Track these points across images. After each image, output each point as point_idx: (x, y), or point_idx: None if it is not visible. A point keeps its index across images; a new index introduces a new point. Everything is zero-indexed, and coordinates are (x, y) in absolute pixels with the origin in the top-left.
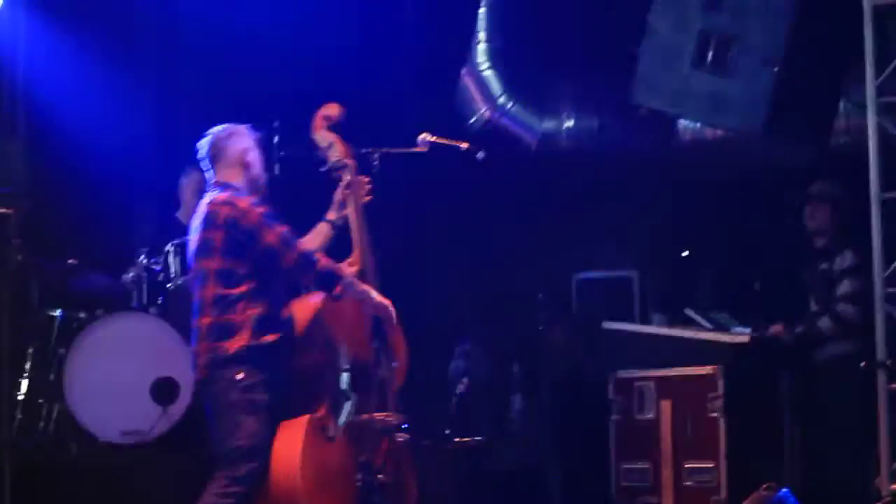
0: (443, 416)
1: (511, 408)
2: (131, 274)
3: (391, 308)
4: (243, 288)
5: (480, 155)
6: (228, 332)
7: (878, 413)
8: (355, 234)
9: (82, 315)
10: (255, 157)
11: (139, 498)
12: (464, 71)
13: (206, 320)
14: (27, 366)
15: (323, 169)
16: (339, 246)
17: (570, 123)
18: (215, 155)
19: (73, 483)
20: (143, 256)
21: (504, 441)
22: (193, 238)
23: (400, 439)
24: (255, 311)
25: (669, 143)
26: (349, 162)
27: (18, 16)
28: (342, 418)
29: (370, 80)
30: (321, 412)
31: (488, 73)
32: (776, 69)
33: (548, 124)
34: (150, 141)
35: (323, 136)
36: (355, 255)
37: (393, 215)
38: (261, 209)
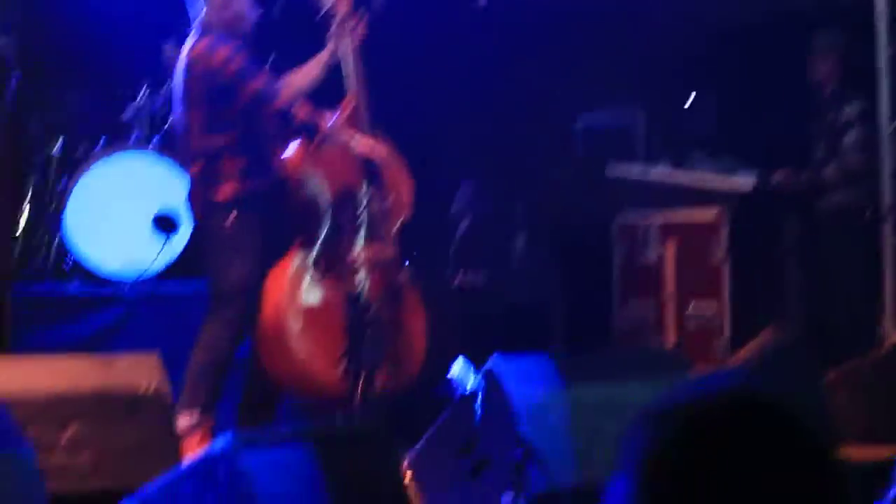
0: (447, 255)
1: (514, 246)
2: (133, 109)
3: (379, 148)
4: (226, 138)
5: (482, 1)
6: (217, 179)
7: (881, 262)
8: (348, 74)
9: (83, 147)
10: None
11: (140, 331)
12: None
13: (195, 168)
14: (27, 197)
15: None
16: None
17: None
18: None
19: (75, 314)
20: (145, 89)
21: (507, 279)
22: (176, 85)
23: (399, 275)
24: (241, 160)
25: None
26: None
27: None
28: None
29: None
30: (307, 251)
31: None
32: None
33: None
34: None
35: None
36: (349, 97)
37: (393, 55)
38: (237, 62)
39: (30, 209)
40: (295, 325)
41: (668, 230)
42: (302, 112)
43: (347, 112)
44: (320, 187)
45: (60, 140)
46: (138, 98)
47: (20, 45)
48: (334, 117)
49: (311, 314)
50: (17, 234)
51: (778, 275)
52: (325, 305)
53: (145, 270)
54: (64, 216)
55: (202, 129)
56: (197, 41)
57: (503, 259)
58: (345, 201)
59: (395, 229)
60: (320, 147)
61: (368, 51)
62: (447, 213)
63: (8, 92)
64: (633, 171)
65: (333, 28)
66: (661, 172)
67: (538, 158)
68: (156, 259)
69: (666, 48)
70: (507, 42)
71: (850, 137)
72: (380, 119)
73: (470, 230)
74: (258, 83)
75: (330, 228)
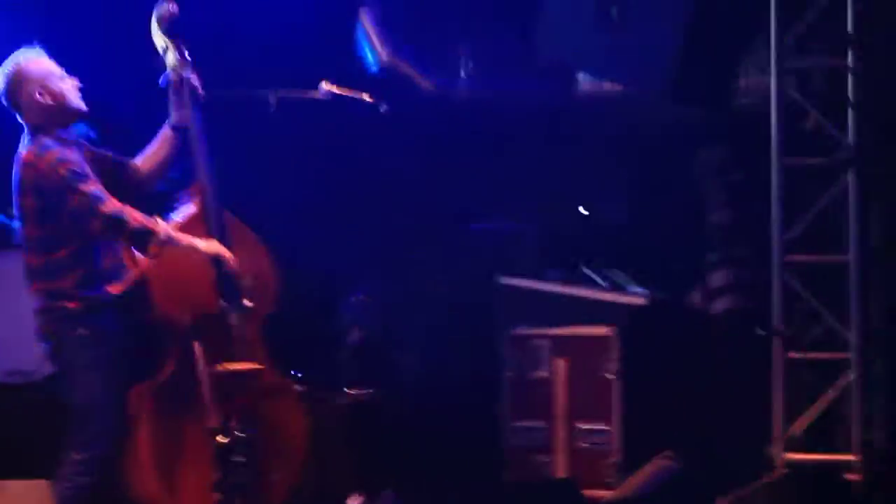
0: (331, 368)
1: (403, 361)
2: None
3: (224, 252)
4: (63, 253)
5: (384, 108)
6: (60, 296)
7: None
8: (194, 150)
9: None
10: (56, 86)
11: (24, 439)
12: (362, 11)
13: (38, 286)
14: None
15: (160, 80)
16: None
17: (468, 70)
18: (11, 95)
19: None
20: None
21: (395, 395)
22: (15, 200)
23: (266, 388)
24: (81, 272)
25: (569, 95)
26: (182, 73)
27: None
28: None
29: (267, 19)
30: (164, 374)
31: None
32: (679, 30)
33: (444, 71)
34: None
35: (159, 40)
36: (196, 185)
37: (285, 161)
38: (66, 166)
39: None
40: (158, 459)
41: (559, 344)
42: (133, 216)
43: (192, 210)
44: (167, 304)
45: None
46: None
47: None
48: (170, 220)
49: (172, 447)
50: None
51: (672, 393)
52: (186, 437)
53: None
54: None
55: (38, 245)
56: (25, 151)
57: (392, 374)
58: (198, 319)
59: (258, 332)
60: (157, 252)
61: (266, 144)
62: (333, 324)
63: None
64: (524, 281)
65: (171, 96)
66: (552, 285)
67: (427, 268)
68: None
69: (557, 160)
70: (402, 149)
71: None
72: (260, 215)
73: (358, 344)
74: (87, 189)
75: (182, 352)
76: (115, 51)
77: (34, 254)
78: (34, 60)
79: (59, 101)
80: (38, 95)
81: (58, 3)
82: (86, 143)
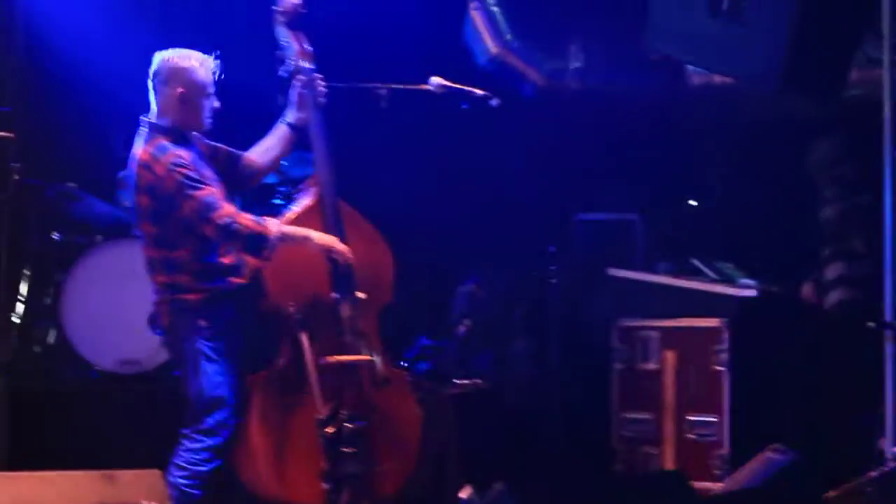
0: (443, 358)
1: (512, 351)
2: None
3: (337, 244)
4: (181, 250)
5: (495, 102)
6: (180, 289)
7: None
8: (313, 146)
9: (81, 240)
10: (200, 100)
11: (135, 428)
12: (472, 5)
13: (160, 278)
14: (24, 290)
15: (281, 72)
16: None
17: (577, 63)
18: (160, 80)
19: (69, 411)
20: None
21: (505, 385)
22: (131, 196)
23: (377, 379)
24: (200, 267)
25: (678, 88)
26: (303, 64)
27: None
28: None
29: (376, 14)
30: (277, 364)
31: (496, 9)
32: (792, 21)
33: (554, 63)
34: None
35: (281, 34)
36: (313, 178)
37: (396, 152)
38: (181, 171)
39: (26, 302)
40: (268, 448)
41: (668, 336)
42: (245, 222)
43: (308, 202)
44: (279, 296)
45: (57, 233)
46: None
47: (21, 137)
48: (287, 211)
49: (282, 436)
50: (14, 324)
51: (779, 386)
52: (297, 426)
53: (141, 368)
54: (60, 309)
55: (156, 241)
56: (142, 149)
57: (502, 365)
58: (308, 310)
59: (371, 323)
60: (270, 254)
61: (378, 136)
62: (444, 314)
63: (10, 183)
64: (634, 273)
65: (297, 91)
66: (662, 277)
67: (538, 258)
68: (151, 358)
69: (667, 151)
70: (512, 141)
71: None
72: (373, 207)
73: (468, 335)
74: (200, 196)
75: (293, 342)
76: (235, 42)
77: (153, 248)
78: (199, 68)
79: (194, 114)
80: (180, 98)
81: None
82: (200, 137)
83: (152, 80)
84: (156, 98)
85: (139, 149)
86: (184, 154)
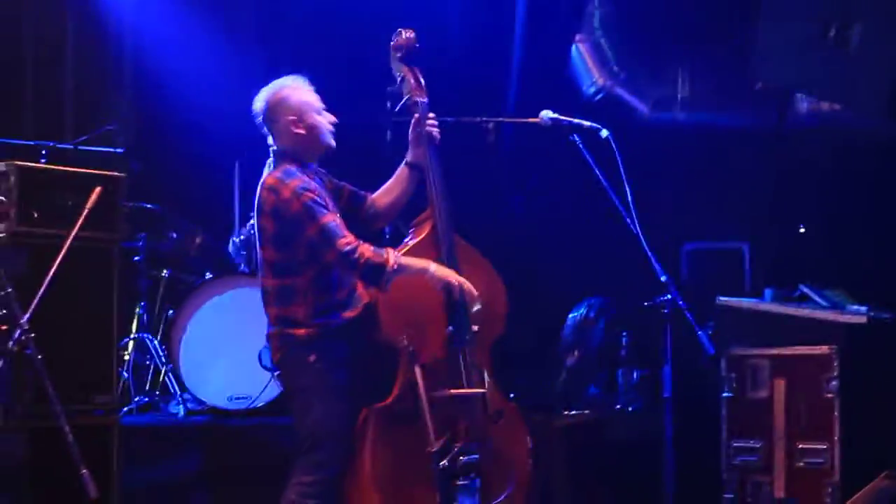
0: (552, 390)
1: (620, 381)
2: (241, 237)
3: (453, 276)
4: (302, 278)
5: (605, 133)
6: (295, 321)
7: None
8: (427, 179)
9: (190, 277)
10: (312, 119)
11: (245, 466)
12: (578, 38)
13: (273, 310)
14: (134, 327)
15: (396, 108)
16: None
17: (684, 93)
18: (268, 119)
19: (180, 447)
20: (249, 223)
21: (614, 416)
22: (254, 221)
23: (490, 412)
24: (318, 299)
25: (785, 116)
26: (418, 99)
27: None
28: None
29: (479, 50)
30: (391, 397)
31: (602, 41)
32: None
33: (661, 93)
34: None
35: (396, 68)
36: (427, 212)
37: (508, 185)
38: (308, 196)
39: (136, 339)
40: (381, 481)
41: (778, 364)
42: (365, 252)
43: (424, 234)
44: (393, 328)
45: (167, 270)
46: (247, 225)
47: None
48: (404, 243)
49: (396, 468)
50: (125, 361)
51: (891, 413)
52: (410, 460)
53: (251, 404)
54: (171, 346)
55: (276, 268)
56: (268, 174)
57: (610, 395)
58: (427, 342)
59: (485, 356)
60: (388, 285)
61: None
62: (552, 347)
63: (121, 222)
64: (742, 301)
65: (412, 128)
66: (771, 304)
67: (647, 285)
68: (260, 394)
69: (773, 180)
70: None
71: None
72: (483, 238)
73: (578, 363)
74: (324, 221)
75: (407, 375)
76: (352, 79)
77: (270, 276)
78: (297, 89)
79: (312, 133)
80: (292, 125)
81: (304, 33)
82: (326, 173)
83: (263, 124)
84: (273, 136)
85: (267, 174)
86: (311, 182)
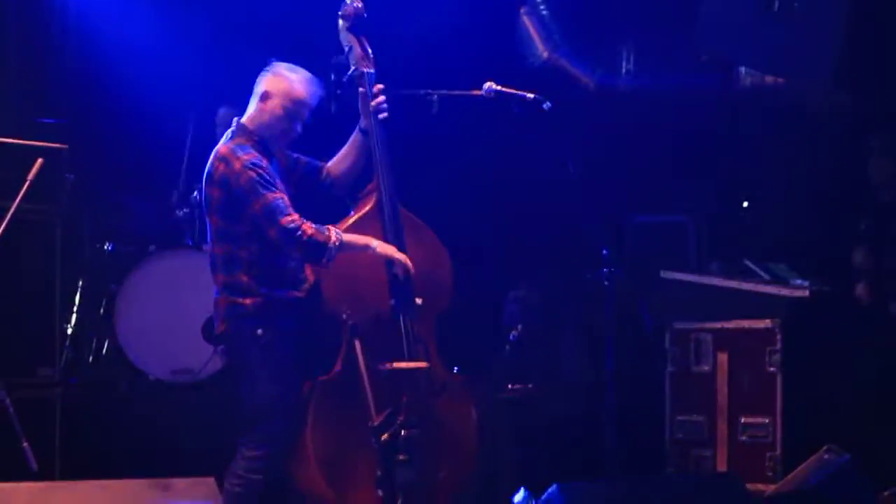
0: (496, 363)
1: (563, 355)
2: (185, 209)
3: (396, 253)
4: (247, 250)
5: (547, 105)
6: (242, 289)
7: None
8: (373, 152)
9: (133, 250)
10: (295, 123)
11: (188, 438)
12: (523, 11)
13: (220, 277)
14: (77, 300)
15: (344, 78)
16: None
17: (629, 66)
18: (266, 91)
19: (122, 421)
20: (196, 192)
21: (557, 389)
22: (203, 188)
23: (433, 386)
24: (264, 271)
25: (729, 89)
26: (364, 69)
27: None
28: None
29: (426, 20)
30: (333, 371)
31: (546, 13)
32: (843, 19)
33: (605, 66)
34: (204, 75)
35: (344, 38)
36: (372, 185)
37: (447, 157)
38: (256, 171)
39: (79, 313)
40: (324, 455)
41: (721, 338)
42: (307, 230)
43: (367, 207)
44: (334, 301)
45: (110, 244)
46: (191, 199)
47: (72, 149)
48: (344, 219)
49: (338, 443)
50: (68, 335)
51: (833, 387)
52: (352, 434)
53: (194, 378)
54: (114, 319)
55: (223, 236)
56: (223, 145)
57: (553, 369)
58: (364, 317)
59: (428, 330)
60: (330, 262)
61: (430, 142)
62: (494, 320)
63: (63, 194)
64: (686, 275)
65: (361, 98)
66: (714, 278)
67: (588, 259)
68: (203, 367)
69: (717, 154)
70: (564, 145)
71: None
72: (426, 212)
73: (520, 340)
74: (270, 197)
75: (348, 349)
76: (297, 50)
77: (217, 243)
78: (310, 93)
79: (285, 134)
80: (280, 111)
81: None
82: (281, 148)
83: (260, 88)
84: (256, 105)
85: (222, 144)
86: (263, 160)
